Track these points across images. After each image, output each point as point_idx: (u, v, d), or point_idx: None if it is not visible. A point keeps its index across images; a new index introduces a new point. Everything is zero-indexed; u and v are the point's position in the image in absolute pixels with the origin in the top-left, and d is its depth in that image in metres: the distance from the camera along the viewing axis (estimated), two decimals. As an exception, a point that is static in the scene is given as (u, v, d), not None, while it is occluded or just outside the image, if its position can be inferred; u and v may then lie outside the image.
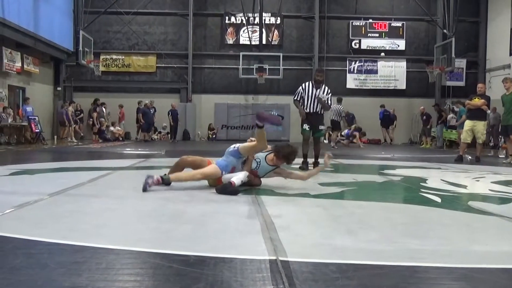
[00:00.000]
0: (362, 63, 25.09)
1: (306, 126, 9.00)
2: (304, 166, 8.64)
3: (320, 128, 9.09)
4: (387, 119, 22.97)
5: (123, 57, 24.83)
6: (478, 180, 7.97)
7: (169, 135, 23.71)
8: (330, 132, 20.52)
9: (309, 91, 8.85)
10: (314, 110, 8.88)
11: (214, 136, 24.56)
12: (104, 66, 24.47)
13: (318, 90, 8.83)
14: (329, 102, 9.02)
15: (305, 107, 8.91)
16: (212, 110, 24.91)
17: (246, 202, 5.18)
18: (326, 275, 2.72)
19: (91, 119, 22.63)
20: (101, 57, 24.40)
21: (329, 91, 8.95)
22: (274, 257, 2.98)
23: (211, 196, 5.56)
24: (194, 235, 3.63)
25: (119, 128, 22.94)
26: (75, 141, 20.26)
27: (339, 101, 19.03)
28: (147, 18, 24.83)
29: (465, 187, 6.92)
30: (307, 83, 9.02)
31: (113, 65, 24.77)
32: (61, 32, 22.28)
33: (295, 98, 9.06)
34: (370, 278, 2.73)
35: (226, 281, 2.57)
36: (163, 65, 24.99)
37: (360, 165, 11.09)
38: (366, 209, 4.70)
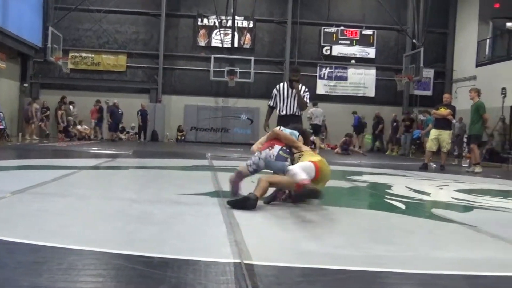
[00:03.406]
0: (333, 70, 25.31)
1: None
2: None
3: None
4: (360, 126, 23.14)
5: (92, 55, 24.51)
6: (441, 188, 8.11)
7: (137, 135, 23.50)
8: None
9: (284, 92, 8.10)
10: (291, 112, 8.07)
11: (183, 137, 24.44)
12: (73, 63, 24.10)
13: (294, 91, 8.03)
14: (306, 100, 8.19)
15: (280, 110, 8.16)
16: (181, 112, 24.79)
17: (213, 204, 5.16)
18: (290, 279, 2.73)
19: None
20: (70, 54, 24.02)
21: (306, 89, 8.19)
22: (238, 260, 2.98)
23: (179, 198, 5.53)
24: (159, 237, 3.60)
25: (86, 127, 22.61)
26: (37, 138, 19.84)
27: (315, 104, 18.31)
28: (118, 16, 24.58)
29: (429, 194, 7.03)
30: (281, 84, 8.27)
31: (82, 63, 24.43)
32: (30, 27, 21.83)
33: (270, 104, 8.28)
34: (333, 283, 2.75)
35: (190, 283, 2.55)
36: (133, 64, 24.76)
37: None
38: (332, 214, 4.74)
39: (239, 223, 4.15)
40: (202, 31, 24.95)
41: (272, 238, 3.81)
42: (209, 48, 24.89)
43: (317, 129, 18.27)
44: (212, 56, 24.09)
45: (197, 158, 12.64)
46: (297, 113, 8.10)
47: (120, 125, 23.03)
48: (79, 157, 11.76)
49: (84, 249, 3.11)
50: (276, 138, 5.72)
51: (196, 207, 4.97)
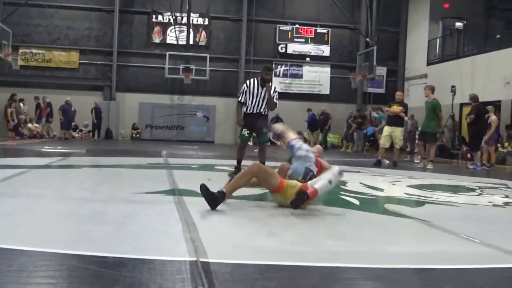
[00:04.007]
0: (288, 67, 25.47)
1: (245, 132, 8.09)
2: (234, 174, 8.05)
3: (264, 131, 8.21)
4: (314, 123, 23.31)
5: (43, 52, 23.89)
6: (394, 184, 8.28)
7: (90, 133, 23.06)
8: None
9: (255, 90, 7.94)
10: (259, 111, 8.00)
11: (138, 135, 24.14)
12: (23, 60, 23.42)
13: (264, 89, 7.95)
14: (276, 100, 8.12)
15: (248, 108, 8.05)
16: (136, 109, 24.47)
17: (169, 202, 5.12)
18: (246, 276, 2.74)
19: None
20: (20, 50, 23.33)
21: (275, 89, 8.18)
22: (194, 258, 2.96)
23: (133, 197, 5.46)
24: (113, 236, 3.54)
25: (37, 125, 22.04)
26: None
27: None
28: (70, 12, 24.02)
29: (382, 190, 7.17)
30: (252, 80, 8.10)
31: (32, 60, 23.79)
32: (-23, 22, 21.14)
33: (240, 99, 8.10)
34: (289, 279, 2.76)
35: (145, 282, 2.52)
36: (86, 61, 24.28)
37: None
38: (287, 210, 4.76)
39: (195, 221, 4.13)
40: (156, 28, 24.69)
41: (228, 235, 3.81)
42: (164, 45, 24.64)
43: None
44: (167, 53, 23.86)
45: (152, 156, 12.51)
46: (264, 112, 8.07)
47: (73, 123, 22.55)
48: (30, 156, 11.45)
49: (35, 250, 3.03)
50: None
51: (152, 206, 4.92)
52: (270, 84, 8.00)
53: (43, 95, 22.02)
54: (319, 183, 4.95)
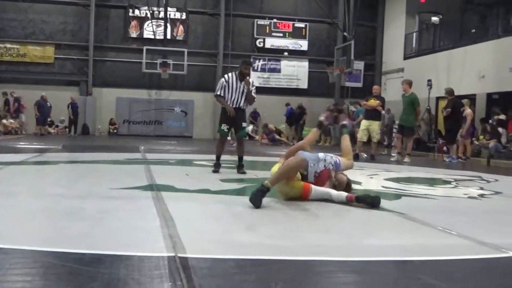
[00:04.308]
0: (266, 62, 25.45)
1: (224, 127, 8.02)
2: (216, 169, 7.91)
3: (243, 125, 8.16)
4: (293, 117, 23.32)
5: (18, 47, 23.49)
6: (372, 177, 8.34)
7: (67, 129, 22.81)
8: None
9: (233, 85, 7.87)
10: (238, 105, 7.94)
11: (115, 131, 23.93)
12: (-4, 55, 23.07)
13: (243, 84, 7.87)
14: (254, 94, 8.06)
15: (227, 103, 7.93)
16: (113, 104, 24.23)
17: (146, 197, 5.09)
18: (225, 270, 2.73)
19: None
20: (-6, 45, 23.00)
21: (253, 83, 8.11)
22: (172, 254, 2.94)
23: (111, 192, 5.41)
24: (90, 233, 3.50)
25: (12, 121, 21.70)
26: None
27: None
28: (46, 6, 23.67)
29: (360, 183, 7.20)
30: (230, 74, 8.03)
31: (7, 55, 23.38)
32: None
33: (218, 93, 7.97)
34: (268, 273, 2.77)
35: (123, 279, 2.50)
36: (62, 56, 23.94)
37: (261, 161, 11.23)
38: (265, 205, 4.76)
39: (173, 216, 4.11)
40: (133, 22, 24.46)
41: (206, 230, 3.80)
42: (141, 39, 24.43)
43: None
44: (144, 47, 23.64)
45: (130, 151, 12.41)
46: (242, 107, 8.05)
47: (49, 119, 22.27)
48: (5, 152, 11.27)
49: (11, 247, 2.98)
50: None
51: (129, 202, 4.88)
52: (248, 78, 7.98)
53: (11, 90, 21.62)
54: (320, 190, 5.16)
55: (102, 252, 2.94)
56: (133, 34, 24.48)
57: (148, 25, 24.44)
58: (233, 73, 8.08)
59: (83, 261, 2.78)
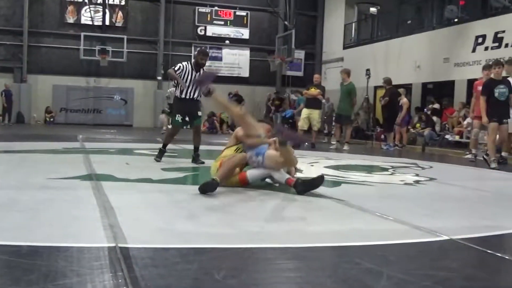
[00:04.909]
0: (207, 50, 25.24)
1: (179, 118, 7.83)
2: (158, 158, 7.78)
3: (199, 114, 8.00)
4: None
5: None
6: (312, 165, 8.47)
7: (0, 117, 21.95)
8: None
9: (188, 74, 7.68)
10: (192, 96, 7.76)
11: (52, 119, 23.21)
12: None
13: (198, 74, 7.61)
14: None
15: (182, 92, 7.76)
16: (50, 92, 23.48)
17: (85, 187, 4.98)
18: (167, 259, 2.72)
19: None
20: None
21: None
22: (113, 244, 2.90)
23: (48, 182, 5.26)
24: (26, 224, 3.40)
25: None
26: None
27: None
28: (-25, -11, 22.64)
29: (301, 171, 7.31)
30: (185, 63, 7.80)
31: None
32: None
33: (176, 69, 7.71)
34: (210, 261, 2.78)
35: (61, 271, 2.45)
36: (-6, 41, 23.01)
37: (202, 150, 11.18)
38: (205, 194, 4.75)
39: (113, 206, 4.05)
40: (70, 7, 23.69)
41: (147, 220, 3.76)
42: (78, 25, 23.70)
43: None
44: (82, 34, 23.00)
45: (67, 140, 12.08)
46: (197, 98, 7.86)
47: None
48: None
49: None
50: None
51: (68, 192, 4.77)
52: (204, 69, 7.87)
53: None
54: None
55: (40, 244, 2.87)
56: (70, 19, 23.69)
57: (85, 10, 23.74)
58: (188, 62, 7.89)
59: (19, 253, 2.71)
